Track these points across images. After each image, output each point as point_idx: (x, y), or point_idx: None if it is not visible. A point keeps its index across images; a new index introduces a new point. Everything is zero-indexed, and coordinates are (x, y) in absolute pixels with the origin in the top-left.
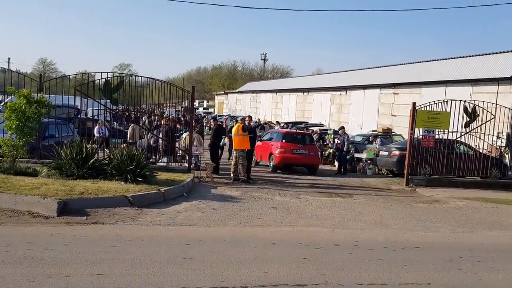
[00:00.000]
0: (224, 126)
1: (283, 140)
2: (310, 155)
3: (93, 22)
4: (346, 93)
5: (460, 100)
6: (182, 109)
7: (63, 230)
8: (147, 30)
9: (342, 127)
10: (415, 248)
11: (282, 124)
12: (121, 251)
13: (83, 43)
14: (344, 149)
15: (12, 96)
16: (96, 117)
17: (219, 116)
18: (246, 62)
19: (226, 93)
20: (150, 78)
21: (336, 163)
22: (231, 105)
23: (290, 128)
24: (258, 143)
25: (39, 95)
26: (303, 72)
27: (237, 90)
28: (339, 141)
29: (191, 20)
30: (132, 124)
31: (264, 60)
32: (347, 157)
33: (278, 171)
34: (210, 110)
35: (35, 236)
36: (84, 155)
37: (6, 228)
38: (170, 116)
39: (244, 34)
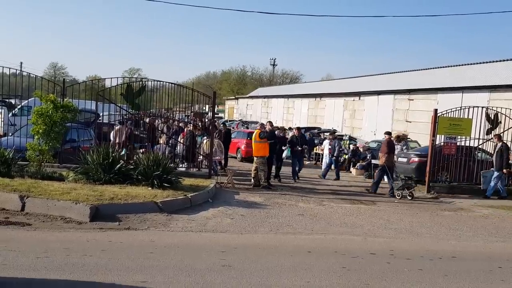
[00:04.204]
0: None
1: (248, 138)
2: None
3: (102, 27)
4: (359, 98)
5: (482, 107)
6: (192, 113)
7: (98, 236)
8: (156, 35)
9: (334, 131)
10: (452, 258)
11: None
12: (159, 258)
13: (93, 47)
14: (335, 155)
15: (28, 101)
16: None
17: (230, 121)
18: (255, 67)
19: (237, 98)
20: (171, 83)
21: (353, 170)
22: (241, 110)
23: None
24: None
25: (65, 99)
26: (313, 78)
27: (248, 95)
28: (330, 146)
29: (200, 25)
30: (119, 125)
31: (274, 65)
32: (364, 163)
33: (243, 161)
34: (221, 115)
35: (71, 241)
36: (110, 160)
37: (41, 234)
38: (188, 122)
39: (254, 39)
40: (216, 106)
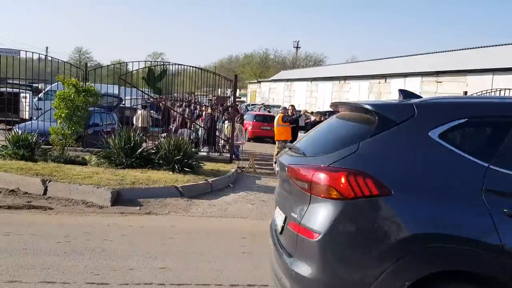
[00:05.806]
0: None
1: (254, 120)
2: (273, 130)
3: (125, 12)
4: (385, 81)
5: (510, 89)
6: (214, 98)
7: (119, 221)
8: (179, 18)
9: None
10: None
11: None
12: (179, 244)
13: (117, 32)
14: None
15: (51, 85)
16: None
17: (252, 104)
18: (278, 50)
19: (259, 82)
20: (193, 67)
21: None
22: (264, 93)
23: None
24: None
25: (87, 84)
26: (337, 60)
27: (270, 79)
28: None
29: (223, 8)
30: (141, 110)
31: (297, 47)
32: None
33: (250, 140)
34: (243, 98)
35: (92, 226)
36: (132, 144)
37: (62, 218)
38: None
39: (277, 21)
40: (238, 90)
